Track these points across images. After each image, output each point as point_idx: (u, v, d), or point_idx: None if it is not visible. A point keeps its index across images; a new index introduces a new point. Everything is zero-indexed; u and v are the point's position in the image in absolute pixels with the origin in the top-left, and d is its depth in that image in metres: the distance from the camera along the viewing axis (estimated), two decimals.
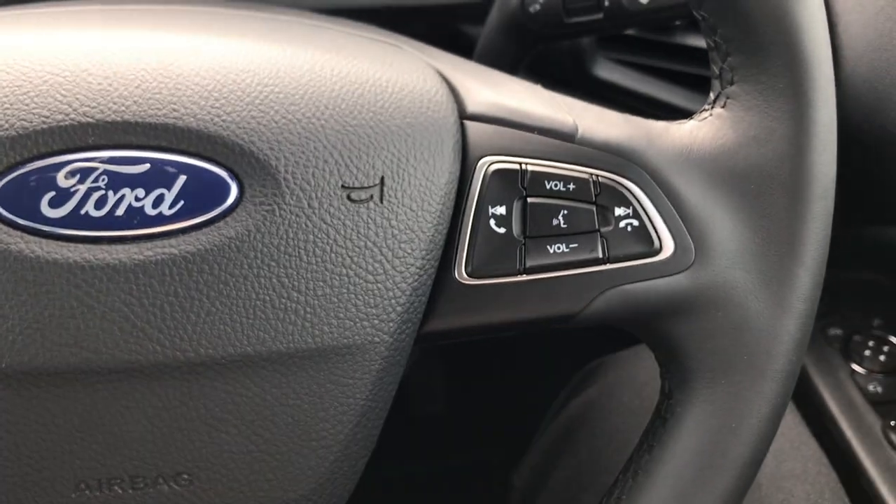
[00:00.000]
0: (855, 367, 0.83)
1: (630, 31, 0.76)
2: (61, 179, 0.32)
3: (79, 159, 0.32)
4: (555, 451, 0.66)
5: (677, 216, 0.38)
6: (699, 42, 0.75)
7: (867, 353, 0.84)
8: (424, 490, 1.20)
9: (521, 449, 0.77)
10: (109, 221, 0.32)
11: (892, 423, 0.76)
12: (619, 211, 0.38)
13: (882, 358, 0.83)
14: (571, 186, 0.37)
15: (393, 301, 0.35)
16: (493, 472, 0.86)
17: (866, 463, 0.72)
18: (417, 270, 0.35)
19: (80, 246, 0.32)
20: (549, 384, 0.84)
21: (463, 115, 0.38)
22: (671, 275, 0.37)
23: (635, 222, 0.38)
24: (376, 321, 0.35)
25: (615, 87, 0.76)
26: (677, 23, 0.74)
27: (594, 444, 0.62)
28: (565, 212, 0.37)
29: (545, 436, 0.70)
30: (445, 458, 1.25)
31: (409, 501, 1.18)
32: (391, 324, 0.35)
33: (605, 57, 0.78)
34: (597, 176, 0.37)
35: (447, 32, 0.80)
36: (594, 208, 0.37)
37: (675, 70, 0.76)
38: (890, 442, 0.74)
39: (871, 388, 0.81)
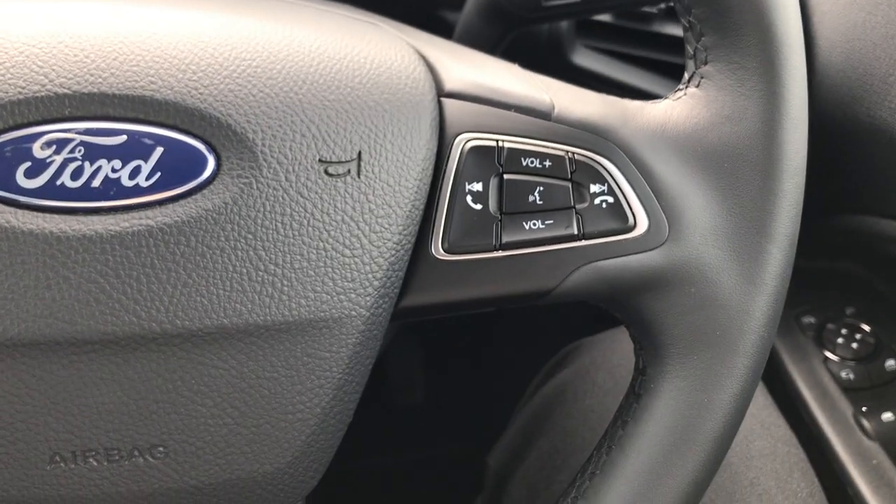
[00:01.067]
0: (828, 354, 0.84)
1: (607, 19, 0.77)
2: (37, 150, 0.32)
3: (55, 130, 0.32)
4: (529, 432, 0.67)
5: (651, 193, 0.38)
6: (676, 31, 0.76)
7: (840, 340, 0.85)
8: (405, 479, 1.21)
9: (498, 434, 0.78)
10: (86, 192, 0.32)
11: (864, 408, 0.77)
12: (594, 188, 0.38)
13: (854, 346, 0.84)
14: (547, 163, 0.37)
15: (370, 276, 0.35)
16: (473, 459, 0.87)
17: (838, 448, 0.74)
18: (394, 246, 0.36)
19: (56, 217, 0.32)
20: (526, 371, 0.84)
21: (440, 93, 0.38)
22: (645, 251, 0.38)
23: (610, 199, 0.38)
24: (353, 295, 0.35)
25: (592, 75, 0.77)
26: (654, 10, 0.75)
27: (568, 424, 0.63)
28: (541, 188, 0.37)
29: (520, 418, 0.71)
30: (425, 448, 1.25)
31: (391, 491, 1.19)
32: (368, 298, 0.35)
33: (582, 44, 0.79)
34: (572, 153, 0.38)
35: (425, 17, 0.80)
36: (570, 185, 0.38)
37: (652, 58, 0.77)
38: (861, 427, 0.76)
39: (843, 374, 0.82)
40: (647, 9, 0.75)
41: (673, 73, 0.77)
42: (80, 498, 0.34)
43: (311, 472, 0.37)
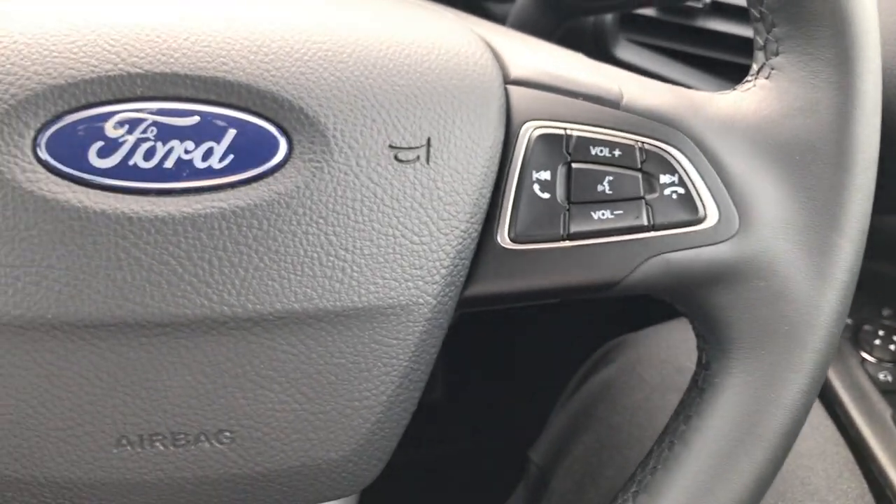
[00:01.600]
0: (865, 355, 0.83)
1: (651, 13, 0.76)
2: (109, 129, 0.32)
3: (127, 110, 0.32)
4: (573, 427, 0.66)
5: (722, 185, 0.37)
6: (720, 26, 0.75)
7: (877, 342, 0.84)
8: (432, 474, 1.20)
9: (531, 432, 0.77)
10: (158, 173, 0.32)
11: None
12: (664, 178, 0.37)
13: (892, 347, 0.84)
14: (617, 153, 0.37)
15: (437, 263, 0.35)
16: (507, 454, 0.86)
17: (877, 450, 0.73)
18: (461, 234, 0.35)
19: (128, 197, 0.32)
20: (559, 368, 0.84)
21: (507, 80, 0.38)
22: (715, 244, 0.37)
23: (681, 190, 0.37)
24: (420, 282, 0.35)
25: (635, 69, 0.76)
26: (699, 5, 0.74)
27: (614, 420, 0.62)
28: (610, 178, 0.37)
29: (562, 413, 0.70)
30: (448, 444, 1.25)
31: (418, 486, 1.18)
32: (435, 286, 0.35)
33: (625, 38, 0.78)
34: (642, 143, 0.37)
35: (469, 9, 0.79)
36: (640, 175, 0.37)
37: (696, 54, 0.76)
38: None
39: (881, 376, 0.82)
40: (691, 3, 0.74)
41: (715, 69, 0.77)
42: (144, 483, 0.34)
43: (374, 461, 0.36)
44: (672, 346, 0.66)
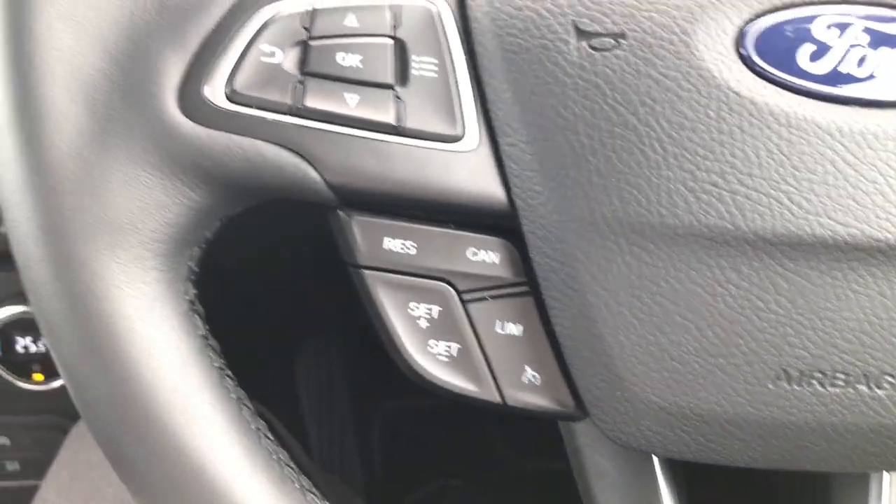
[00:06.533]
0: None
1: None
2: (818, 32, 0.29)
3: (833, 13, 0.29)
4: None
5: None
6: None
7: None
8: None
9: None
10: (872, 85, 0.29)
11: None
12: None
13: None
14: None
15: None
16: None
17: None
18: None
19: (839, 108, 0.29)
20: None
21: None
22: None
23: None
24: None
25: None
26: None
27: None
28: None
29: None
30: None
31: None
32: None
33: None
34: None
35: None
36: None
37: None
38: None
39: None
40: None
41: None
42: (788, 423, 0.31)
43: None
44: None
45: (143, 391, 0.30)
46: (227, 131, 0.29)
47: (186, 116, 0.29)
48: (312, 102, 0.29)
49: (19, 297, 0.66)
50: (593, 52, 0.29)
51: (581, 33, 0.29)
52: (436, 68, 0.30)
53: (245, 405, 0.32)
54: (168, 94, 0.29)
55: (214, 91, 0.29)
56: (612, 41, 0.29)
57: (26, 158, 0.28)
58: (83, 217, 0.28)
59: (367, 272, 0.31)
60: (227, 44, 0.29)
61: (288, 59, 0.29)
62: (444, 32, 0.30)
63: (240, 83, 0.29)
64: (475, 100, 0.30)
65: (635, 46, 0.29)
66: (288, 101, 0.29)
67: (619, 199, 0.29)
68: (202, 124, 0.29)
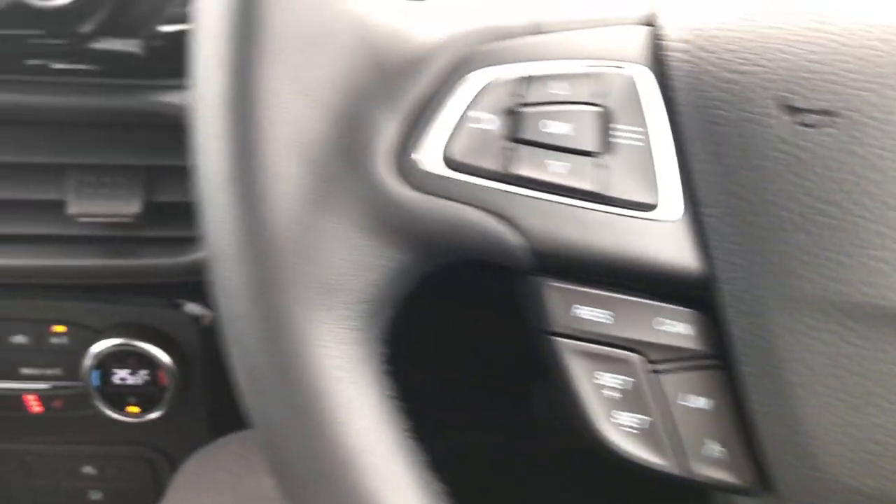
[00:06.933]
0: None
1: None
2: None
3: None
4: None
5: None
6: None
7: None
8: None
9: None
10: None
11: None
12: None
13: None
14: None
15: None
16: None
17: None
18: None
19: None
20: None
21: None
22: None
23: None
24: None
25: None
26: None
27: None
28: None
29: None
30: None
31: None
32: None
33: None
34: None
35: None
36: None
37: None
38: None
39: None
40: None
41: None
42: None
43: None
44: None
45: (342, 453, 0.30)
46: (439, 196, 0.29)
47: (402, 180, 0.29)
48: (521, 169, 0.29)
49: (119, 328, 0.67)
50: (804, 128, 0.29)
51: (792, 110, 0.29)
52: (641, 137, 0.30)
53: (429, 469, 0.32)
54: (383, 158, 0.29)
55: (429, 155, 0.29)
56: (824, 118, 0.29)
57: (244, 216, 0.29)
58: (296, 276, 0.29)
59: (557, 339, 0.31)
60: (440, 108, 0.29)
61: (501, 126, 0.29)
62: (648, 101, 0.30)
63: (456, 149, 0.29)
64: (678, 170, 0.30)
65: (847, 124, 0.29)
66: (498, 167, 0.29)
67: (823, 277, 0.29)
68: (416, 189, 0.29)
